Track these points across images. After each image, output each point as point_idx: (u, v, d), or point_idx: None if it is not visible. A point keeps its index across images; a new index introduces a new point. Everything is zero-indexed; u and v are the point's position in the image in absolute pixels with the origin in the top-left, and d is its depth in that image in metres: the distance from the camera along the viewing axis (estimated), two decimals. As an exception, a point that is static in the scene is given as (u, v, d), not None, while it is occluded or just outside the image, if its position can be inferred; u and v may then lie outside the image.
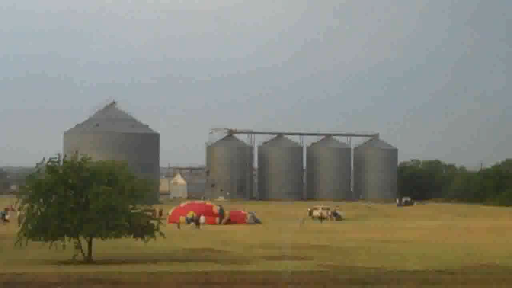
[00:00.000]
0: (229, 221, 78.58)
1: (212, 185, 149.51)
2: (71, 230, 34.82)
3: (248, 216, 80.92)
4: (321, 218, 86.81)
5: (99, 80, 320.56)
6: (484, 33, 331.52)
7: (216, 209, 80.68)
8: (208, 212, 78.91)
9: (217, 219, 78.37)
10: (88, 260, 35.51)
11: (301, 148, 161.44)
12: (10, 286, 25.25)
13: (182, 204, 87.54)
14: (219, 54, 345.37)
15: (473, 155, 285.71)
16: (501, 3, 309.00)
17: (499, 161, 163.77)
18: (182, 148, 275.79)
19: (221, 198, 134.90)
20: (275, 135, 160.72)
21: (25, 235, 34.81)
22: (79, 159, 35.93)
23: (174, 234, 54.06)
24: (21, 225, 35.69)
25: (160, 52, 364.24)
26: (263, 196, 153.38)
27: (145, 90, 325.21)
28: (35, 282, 26.01)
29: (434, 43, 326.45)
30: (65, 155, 36.60)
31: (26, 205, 35.36)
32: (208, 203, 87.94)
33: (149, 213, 37.39)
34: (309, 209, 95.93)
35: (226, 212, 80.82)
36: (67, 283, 25.75)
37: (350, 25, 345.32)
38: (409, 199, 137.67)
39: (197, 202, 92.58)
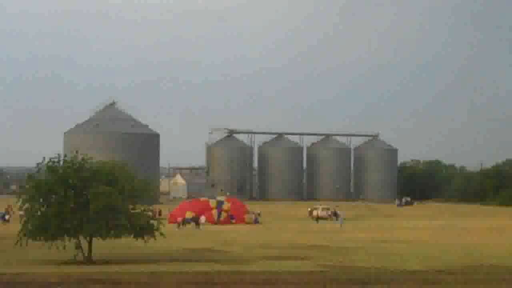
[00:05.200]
0: (228, 218, 78.55)
1: (212, 185, 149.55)
2: (71, 230, 34.82)
3: (252, 216, 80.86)
4: (317, 218, 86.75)
5: (100, 81, 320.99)
6: (485, 34, 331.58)
7: (212, 203, 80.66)
8: (206, 208, 78.99)
9: (215, 214, 78.26)
10: (88, 260, 35.51)
11: (301, 148, 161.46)
12: (10, 286, 25.24)
13: (180, 204, 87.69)
14: (219, 55, 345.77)
15: (473, 155, 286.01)
16: (503, 4, 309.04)
17: (499, 161, 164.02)
18: (182, 148, 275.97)
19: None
20: (275, 135, 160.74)
21: (25, 235, 34.81)
22: (79, 159, 35.94)
23: (174, 234, 54.09)
24: (21, 225, 35.70)
25: (160, 52, 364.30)
26: (263, 196, 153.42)
27: (145, 90, 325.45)
28: (35, 282, 26.00)
29: (435, 44, 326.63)
30: (65, 155, 36.60)
31: (26, 205, 35.38)
32: (203, 199, 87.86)
33: (149, 213, 37.40)
34: (309, 209, 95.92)
35: (226, 204, 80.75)
36: (67, 283, 25.74)
37: (350, 26, 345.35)
38: (409, 199, 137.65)
39: (192, 200, 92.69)
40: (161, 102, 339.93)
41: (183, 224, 71.21)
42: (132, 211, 36.27)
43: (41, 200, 35.27)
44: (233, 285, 25.73)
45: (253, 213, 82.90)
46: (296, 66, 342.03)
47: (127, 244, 40.18)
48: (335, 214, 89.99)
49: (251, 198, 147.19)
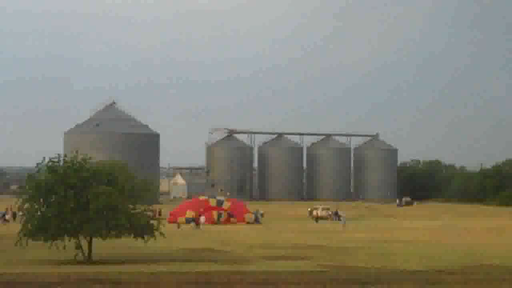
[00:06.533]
0: (228, 218, 78.53)
1: (212, 185, 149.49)
2: (71, 230, 34.80)
3: (252, 215, 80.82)
4: (317, 218, 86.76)
5: (100, 81, 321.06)
6: (485, 34, 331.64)
7: (212, 202, 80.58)
8: (206, 207, 78.97)
9: (215, 214, 78.23)
10: (88, 260, 35.50)
11: (301, 148, 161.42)
12: (10, 286, 25.21)
13: (180, 204, 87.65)
14: (219, 55, 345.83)
15: (473, 155, 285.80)
16: (503, 5, 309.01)
17: (499, 161, 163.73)
18: (182, 148, 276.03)
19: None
20: (275, 135, 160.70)
21: (25, 235, 34.79)
22: (79, 159, 35.92)
23: (174, 234, 54.07)
24: (21, 225, 35.70)
25: (160, 52, 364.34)
26: (263, 196, 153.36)
27: (145, 90, 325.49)
28: (35, 282, 25.97)
29: (435, 44, 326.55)
30: (65, 155, 36.58)
31: (26, 205, 35.37)
32: (202, 197, 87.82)
33: (149, 213, 37.38)
34: (309, 209, 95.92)
35: (226, 203, 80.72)
36: (67, 283, 25.70)
37: (351, 26, 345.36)
38: (409, 199, 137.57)
39: (192, 199, 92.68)
40: (161, 102, 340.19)
41: (193, 222, 71.24)
42: (132, 211, 36.25)
43: (41, 200, 35.26)
44: (233, 285, 25.70)
45: (257, 212, 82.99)
46: (296, 66, 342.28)
47: (127, 244, 40.17)
48: (336, 214, 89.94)
49: (251, 198, 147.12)
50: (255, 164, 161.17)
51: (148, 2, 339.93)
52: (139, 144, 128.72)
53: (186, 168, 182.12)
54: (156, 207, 60.42)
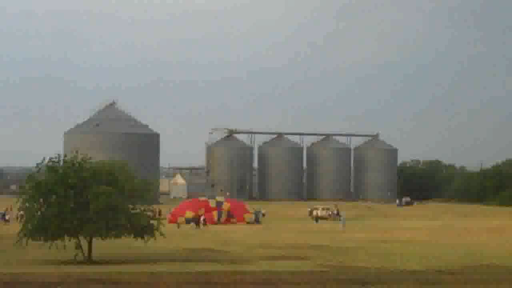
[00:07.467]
0: (228, 218, 78.50)
1: (212, 185, 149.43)
2: (71, 230, 34.83)
3: (252, 215, 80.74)
4: (317, 218, 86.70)
5: (100, 81, 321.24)
6: (486, 34, 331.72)
7: (212, 203, 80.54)
8: (206, 208, 78.92)
9: (215, 214, 78.20)
10: (88, 260, 35.51)
11: (301, 148, 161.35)
12: (10, 286, 25.22)
13: (180, 204, 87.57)
14: (220, 55, 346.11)
15: (473, 155, 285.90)
16: (505, 5, 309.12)
17: (499, 161, 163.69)
18: (182, 148, 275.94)
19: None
20: (275, 135, 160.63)
21: (25, 235, 34.80)
22: (79, 159, 35.93)
23: (174, 234, 54.07)
24: (21, 225, 35.71)
25: (160, 52, 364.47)
26: (263, 196, 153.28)
27: (146, 90, 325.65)
28: (35, 282, 25.98)
29: (435, 45, 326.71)
30: (65, 155, 36.60)
31: (26, 205, 35.37)
32: (202, 198, 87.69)
33: (149, 213, 37.38)
34: (309, 209, 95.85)
35: (226, 204, 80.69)
36: (67, 283, 25.72)
37: (351, 26, 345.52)
38: (409, 199, 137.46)
39: (192, 200, 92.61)
40: (161, 102, 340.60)
41: (193, 222, 71.19)
42: (132, 211, 36.26)
43: (41, 200, 35.27)
44: (233, 285, 25.71)
45: (259, 212, 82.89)
46: (296, 66, 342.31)
47: (127, 244, 40.18)
48: (338, 213, 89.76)
49: (251, 198, 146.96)
50: (255, 164, 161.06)
51: (148, 2, 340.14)
52: (139, 144, 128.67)
53: (186, 168, 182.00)
54: (156, 207, 60.43)
